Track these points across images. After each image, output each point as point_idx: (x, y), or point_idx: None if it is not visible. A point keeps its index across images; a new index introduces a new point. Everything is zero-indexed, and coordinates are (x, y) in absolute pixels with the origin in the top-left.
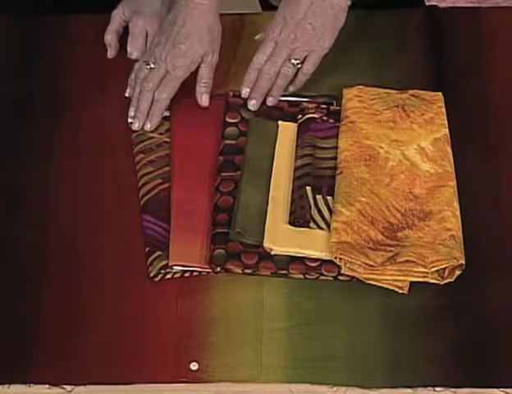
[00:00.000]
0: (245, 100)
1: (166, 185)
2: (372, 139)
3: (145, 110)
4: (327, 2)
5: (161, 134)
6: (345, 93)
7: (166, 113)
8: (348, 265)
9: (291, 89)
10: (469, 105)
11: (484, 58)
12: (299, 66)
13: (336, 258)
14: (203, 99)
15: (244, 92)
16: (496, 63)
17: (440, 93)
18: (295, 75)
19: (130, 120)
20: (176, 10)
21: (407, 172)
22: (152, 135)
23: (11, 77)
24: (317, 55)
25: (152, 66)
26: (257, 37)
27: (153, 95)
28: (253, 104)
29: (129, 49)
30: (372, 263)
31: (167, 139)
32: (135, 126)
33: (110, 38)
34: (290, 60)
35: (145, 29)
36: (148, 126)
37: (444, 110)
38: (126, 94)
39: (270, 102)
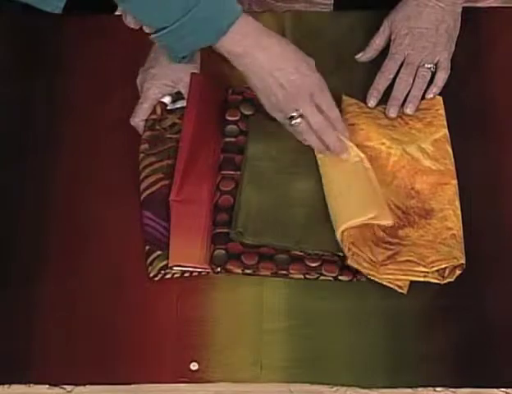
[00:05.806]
0: (244, 96)
1: (167, 181)
2: (372, 140)
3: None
4: (446, 11)
5: (165, 129)
6: (344, 98)
7: (180, 104)
8: (355, 257)
9: (435, 90)
10: (469, 105)
11: (484, 58)
12: (433, 70)
13: (345, 246)
14: None
15: (372, 103)
16: (496, 63)
17: (438, 97)
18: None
19: None
20: None
21: (408, 166)
22: (159, 127)
23: (12, 77)
24: (447, 56)
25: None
26: (359, 56)
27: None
28: (392, 112)
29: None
30: (374, 259)
31: (170, 136)
32: None
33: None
34: (423, 66)
35: None
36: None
37: (443, 112)
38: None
39: (410, 108)
